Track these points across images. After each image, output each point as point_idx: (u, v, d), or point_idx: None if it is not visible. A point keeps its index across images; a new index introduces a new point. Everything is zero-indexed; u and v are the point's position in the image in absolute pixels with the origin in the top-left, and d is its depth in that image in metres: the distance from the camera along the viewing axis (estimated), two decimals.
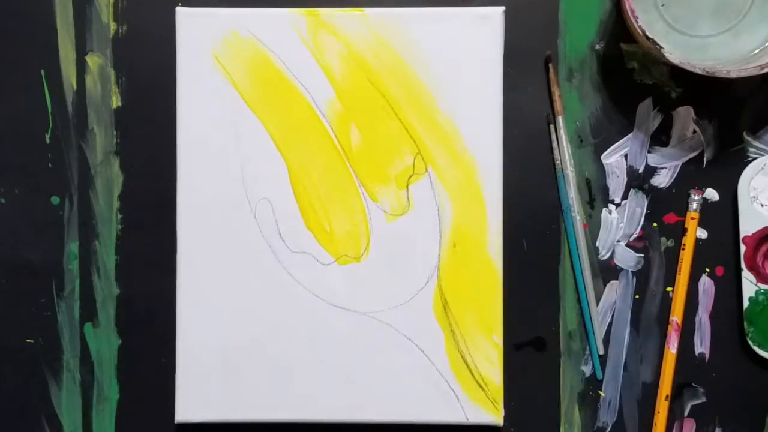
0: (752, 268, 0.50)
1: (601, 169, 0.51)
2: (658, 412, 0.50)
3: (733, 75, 0.46)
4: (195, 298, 0.49)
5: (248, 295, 0.49)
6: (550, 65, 0.50)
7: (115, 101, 0.51)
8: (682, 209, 0.51)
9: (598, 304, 0.51)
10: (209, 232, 0.49)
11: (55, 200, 0.51)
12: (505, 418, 0.49)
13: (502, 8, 0.49)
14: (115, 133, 0.51)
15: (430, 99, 0.49)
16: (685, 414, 0.51)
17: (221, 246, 0.49)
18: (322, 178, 0.49)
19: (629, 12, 0.46)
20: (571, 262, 0.51)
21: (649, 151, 0.51)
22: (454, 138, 0.49)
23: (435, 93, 0.49)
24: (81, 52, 0.51)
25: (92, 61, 0.51)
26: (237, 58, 0.49)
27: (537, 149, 0.51)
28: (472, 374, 0.49)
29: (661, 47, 0.46)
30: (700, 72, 0.46)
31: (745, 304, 0.50)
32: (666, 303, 0.51)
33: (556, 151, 0.50)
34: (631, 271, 0.51)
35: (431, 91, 0.49)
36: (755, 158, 0.50)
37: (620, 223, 0.51)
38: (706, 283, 0.51)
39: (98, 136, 0.51)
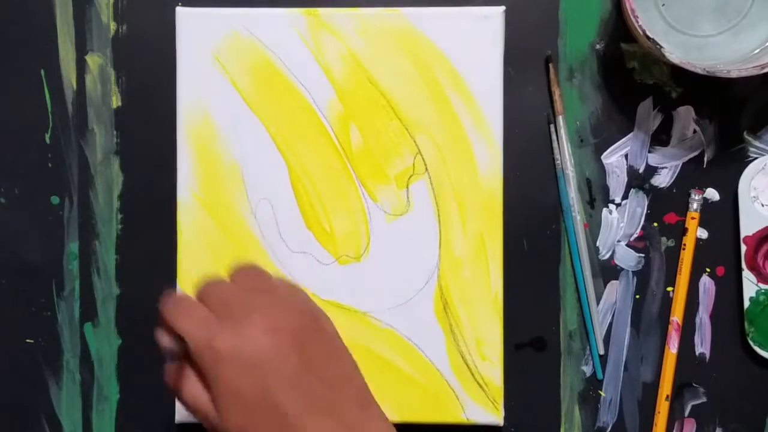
0: (753, 268, 0.49)
1: (602, 169, 0.51)
2: (659, 412, 0.50)
3: (734, 75, 0.46)
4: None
5: None
6: (551, 65, 0.50)
7: (115, 101, 0.51)
8: (683, 209, 0.51)
9: (598, 304, 0.51)
10: (209, 232, 0.49)
11: (55, 200, 0.51)
12: (505, 418, 0.49)
13: (502, 8, 0.49)
14: (115, 133, 0.51)
15: (430, 99, 0.49)
16: (686, 414, 0.51)
17: (221, 246, 0.49)
18: (322, 178, 0.49)
19: (629, 12, 0.46)
20: (572, 262, 0.50)
21: (649, 151, 0.51)
22: (454, 138, 0.49)
23: (435, 93, 0.49)
24: (81, 52, 0.51)
25: (92, 61, 0.51)
26: (237, 58, 0.49)
27: (537, 149, 0.51)
28: (472, 374, 0.49)
29: (661, 47, 0.46)
30: (700, 72, 0.46)
31: (746, 304, 0.50)
32: (666, 303, 0.51)
33: (556, 151, 0.50)
34: (632, 271, 0.51)
35: (431, 90, 0.49)
36: (756, 158, 0.50)
37: (621, 223, 0.51)
38: (706, 283, 0.51)
39: (98, 136, 0.51)
